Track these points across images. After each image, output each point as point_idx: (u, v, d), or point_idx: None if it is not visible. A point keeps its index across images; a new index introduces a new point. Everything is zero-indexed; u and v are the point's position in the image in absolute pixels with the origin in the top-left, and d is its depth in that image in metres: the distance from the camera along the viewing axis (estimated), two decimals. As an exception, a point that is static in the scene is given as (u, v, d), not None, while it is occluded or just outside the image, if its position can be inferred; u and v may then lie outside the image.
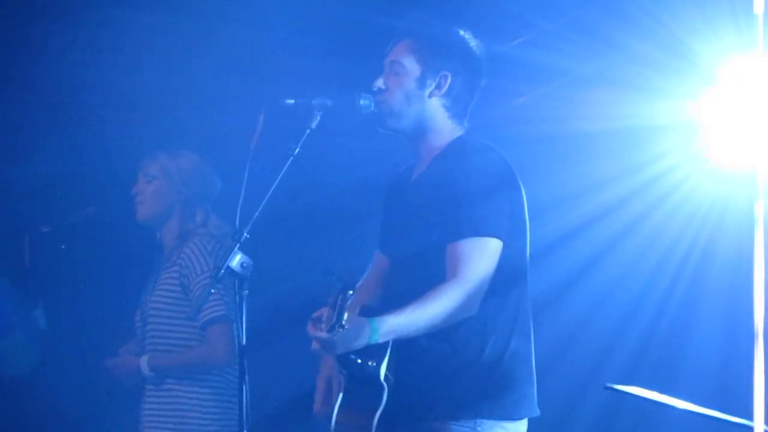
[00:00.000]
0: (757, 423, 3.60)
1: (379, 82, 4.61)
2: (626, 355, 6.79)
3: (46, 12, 6.67)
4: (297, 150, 4.47)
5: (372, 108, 4.60)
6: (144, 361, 5.64)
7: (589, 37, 6.42)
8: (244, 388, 4.32)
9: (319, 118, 4.54)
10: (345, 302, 4.10)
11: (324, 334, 4.17)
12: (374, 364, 4.37)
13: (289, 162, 4.46)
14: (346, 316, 4.10)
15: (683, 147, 6.44)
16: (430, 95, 4.58)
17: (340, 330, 4.10)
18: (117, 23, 6.67)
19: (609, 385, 4.12)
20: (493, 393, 4.42)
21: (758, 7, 4.56)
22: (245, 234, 4.36)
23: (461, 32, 4.62)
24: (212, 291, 4.87)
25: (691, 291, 6.55)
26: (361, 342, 4.23)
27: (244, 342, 4.34)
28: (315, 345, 4.26)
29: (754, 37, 5.07)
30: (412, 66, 4.58)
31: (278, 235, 6.34)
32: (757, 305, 5.32)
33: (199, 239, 5.66)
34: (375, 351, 4.35)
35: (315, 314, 4.33)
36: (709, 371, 6.40)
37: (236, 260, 4.33)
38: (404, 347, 4.38)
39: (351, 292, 4.11)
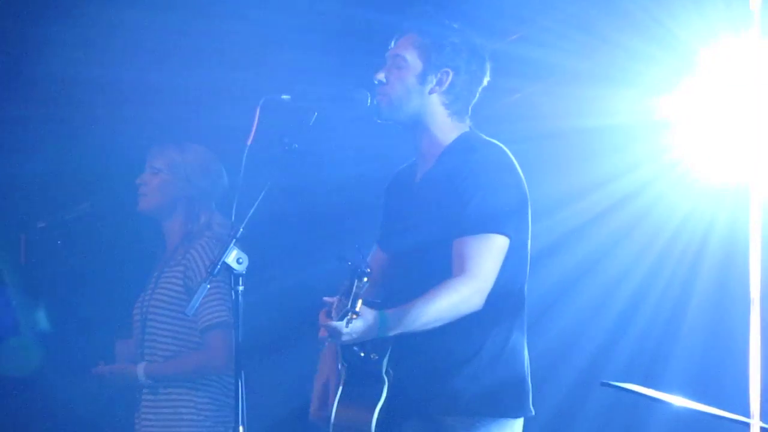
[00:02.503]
0: (754, 419, 3.61)
1: (380, 75, 4.61)
2: (622, 355, 6.81)
3: (45, 8, 6.66)
4: (294, 146, 4.47)
5: (368, 103, 4.61)
6: (141, 369, 5.59)
7: (583, 33, 6.43)
8: (239, 384, 4.32)
9: (315, 114, 4.54)
10: (360, 289, 4.10)
11: (334, 323, 4.17)
12: (376, 357, 4.37)
13: (286, 158, 4.46)
14: (359, 303, 4.10)
15: (681, 143, 6.46)
16: (431, 91, 4.59)
17: (353, 317, 4.10)
18: (114, 19, 6.66)
19: (605, 381, 4.12)
20: (491, 390, 4.43)
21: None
22: (241, 230, 4.36)
23: (467, 30, 4.63)
24: (208, 287, 4.83)
25: (682, 292, 6.57)
26: (370, 335, 4.24)
27: (240, 338, 4.34)
28: (323, 332, 4.25)
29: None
30: (414, 61, 4.58)
31: (274, 231, 6.34)
32: (754, 309, 5.35)
33: (206, 241, 5.61)
34: (378, 344, 4.36)
35: (326, 299, 4.33)
36: (702, 371, 6.42)
37: (232, 256, 4.33)
38: (406, 341, 4.38)
39: (366, 279, 4.11)
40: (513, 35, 6.49)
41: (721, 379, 6.21)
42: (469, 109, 4.66)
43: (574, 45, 6.47)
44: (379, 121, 4.66)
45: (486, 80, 4.66)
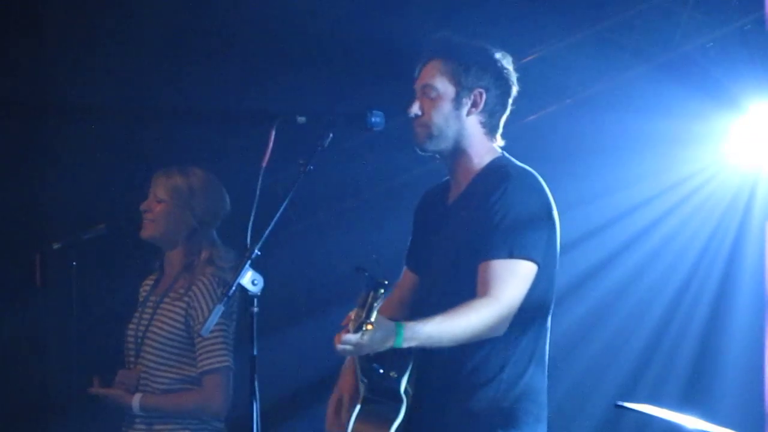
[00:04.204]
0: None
1: (415, 108, 4.58)
2: (634, 369, 6.81)
3: (58, 29, 6.69)
4: (308, 167, 4.46)
5: (382, 125, 4.60)
6: (137, 400, 5.59)
7: (601, 57, 6.46)
8: (255, 404, 4.32)
9: (330, 135, 4.53)
10: (376, 300, 4.06)
11: (351, 336, 4.12)
12: (396, 375, 4.36)
13: (300, 179, 4.46)
14: (374, 315, 4.07)
15: (696, 160, 6.49)
16: (468, 114, 4.57)
17: (369, 329, 4.07)
18: (126, 38, 6.69)
19: (620, 403, 4.10)
20: (508, 414, 4.42)
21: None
22: (256, 251, 4.35)
23: (488, 47, 4.61)
24: (222, 308, 4.83)
25: (711, 309, 6.58)
26: (387, 344, 4.19)
27: (255, 355, 4.33)
28: (340, 346, 4.18)
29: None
30: (445, 87, 4.56)
31: (289, 251, 6.35)
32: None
33: (209, 280, 5.57)
34: (397, 363, 4.35)
35: (343, 322, 4.32)
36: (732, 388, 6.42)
37: (247, 277, 4.32)
38: (426, 361, 4.39)
39: (383, 291, 4.08)
40: (532, 55, 6.52)
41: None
42: (501, 123, 4.64)
43: (590, 68, 6.49)
44: (422, 153, 4.62)
45: (515, 90, 4.64)
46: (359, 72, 6.43)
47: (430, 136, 4.56)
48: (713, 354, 6.82)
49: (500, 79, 4.60)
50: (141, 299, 5.80)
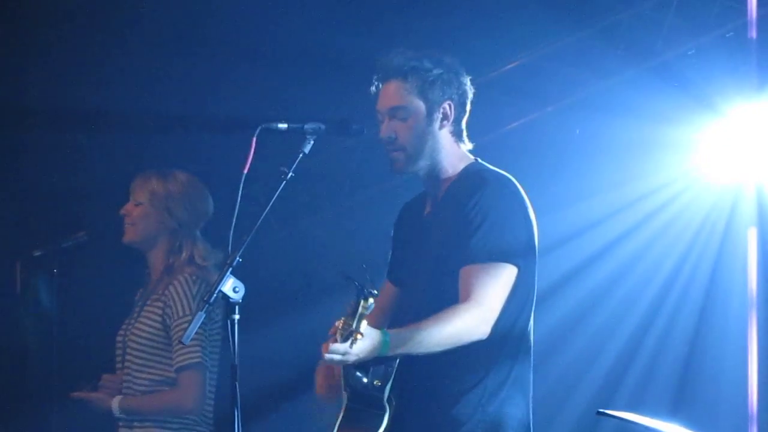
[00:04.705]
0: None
1: (389, 132, 4.56)
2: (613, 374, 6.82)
3: (40, 34, 6.69)
4: (290, 174, 4.45)
5: (364, 132, 4.60)
6: (116, 402, 5.60)
7: (583, 63, 6.47)
8: (236, 412, 4.30)
9: (312, 142, 4.52)
10: (366, 310, 4.06)
11: (340, 345, 4.11)
12: (379, 384, 4.35)
13: (282, 186, 4.45)
14: (364, 324, 4.07)
15: (677, 165, 6.53)
16: (440, 127, 4.57)
17: (359, 337, 4.07)
18: (107, 44, 6.69)
19: (601, 410, 4.10)
20: (493, 420, 4.42)
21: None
22: (237, 258, 4.33)
23: (442, 56, 4.60)
24: (204, 315, 4.81)
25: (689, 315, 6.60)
26: (374, 353, 4.19)
27: (236, 362, 4.31)
28: (328, 356, 4.16)
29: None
30: (415, 106, 4.55)
31: (270, 257, 6.34)
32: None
33: (185, 278, 5.58)
34: (381, 371, 4.34)
35: (331, 331, 4.31)
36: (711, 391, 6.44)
37: (228, 284, 4.30)
38: (410, 369, 4.37)
39: (371, 300, 4.07)
40: (514, 62, 6.53)
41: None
42: (464, 125, 4.63)
43: (572, 76, 6.51)
44: (401, 175, 4.63)
45: (472, 92, 4.64)
46: (341, 78, 6.44)
47: (409, 159, 4.56)
48: (695, 360, 6.83)
49: (461, 86, 4.60)
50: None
